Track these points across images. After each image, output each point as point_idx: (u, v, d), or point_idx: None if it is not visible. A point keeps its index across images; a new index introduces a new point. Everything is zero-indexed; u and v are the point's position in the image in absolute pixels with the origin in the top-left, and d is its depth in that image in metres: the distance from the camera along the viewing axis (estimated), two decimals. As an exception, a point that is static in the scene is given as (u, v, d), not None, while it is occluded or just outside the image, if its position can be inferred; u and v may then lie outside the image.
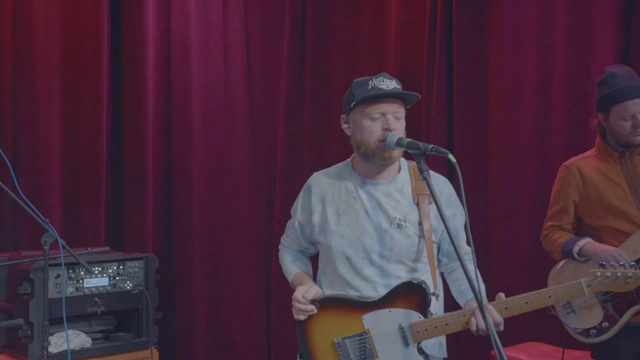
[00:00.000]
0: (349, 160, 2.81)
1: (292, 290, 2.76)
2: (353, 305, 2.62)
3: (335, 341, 2.60)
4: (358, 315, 2.60)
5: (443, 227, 2.68)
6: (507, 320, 4.23)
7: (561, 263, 3.36)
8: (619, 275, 2.53)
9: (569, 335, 3.38)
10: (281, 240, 2.98)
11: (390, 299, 2.60)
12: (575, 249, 3.22)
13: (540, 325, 4.25)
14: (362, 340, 2.59)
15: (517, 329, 4.27)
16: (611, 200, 3.25)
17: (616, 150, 3.29)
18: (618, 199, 3.25)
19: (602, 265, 3.05)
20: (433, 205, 2.65)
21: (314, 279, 2.82)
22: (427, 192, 2.65)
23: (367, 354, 2.58)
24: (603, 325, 3.24)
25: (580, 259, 3.25)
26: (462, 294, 2.71)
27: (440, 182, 2.73)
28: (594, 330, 3.26)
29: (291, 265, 2.88)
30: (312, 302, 2.64)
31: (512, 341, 4.06)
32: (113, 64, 4.80)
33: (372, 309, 2.60)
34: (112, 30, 4.77)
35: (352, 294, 2.64)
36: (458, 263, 2.75)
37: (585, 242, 3.22)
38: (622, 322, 3.20)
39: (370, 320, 2.60)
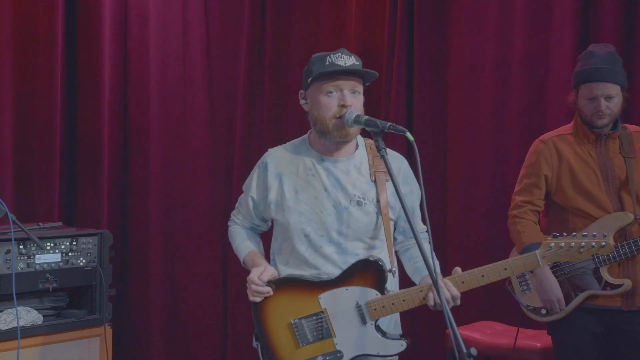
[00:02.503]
0: (305, 136, 2.77)
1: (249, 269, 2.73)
2: (309, 285, 2.59)
3: (292, 322, 2.58)
4: (315, 295, 2.58)
5: (400, 204, 2.70)
6: (462, 300, 4.28)
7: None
8: (572, 245, 2.51)
9: (525, 314, 3.42)
10: (231, 216, 2.91)
11: (346, 278, 2.59)
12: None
13: (494, 305, 4.30)
14: (319, 320, 2.57)
15: (472, 308, 4.31)
16: (583, 183, 3.25)
17: (593, 133, 3.28)
18: (590, 182, 3.25)
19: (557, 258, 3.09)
20: (390, 183, 2.65)
21: (267, 257, 2.77)
22: (384, 170, 2.65)
23: (325, 333, 2.57)
24: None
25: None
26: (418, 271, 2.71)
27: (397, 160, 2.72)
28: (545, 310, 3.31)
29: (243, 243, 2.80)
30: (268, 283, 2.59)
31: (466, 320, 4.10)
32: (68, 37, 4.71)
33: (328, 288, 2.58)
34: (67, 3, 4.67)
35: (311, 272, 2.62)
36: (413, 241, 2.76)
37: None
38: (572, 305, 3.26)
39: (327, 299, 2.58)
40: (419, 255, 2.67)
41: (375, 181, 2.66)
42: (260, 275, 2.59)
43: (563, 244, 2.51)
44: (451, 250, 4.53)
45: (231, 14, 5.26)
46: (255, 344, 2.64)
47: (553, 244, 2.52)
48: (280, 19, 5.15)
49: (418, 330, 4.59)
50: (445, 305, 2.21)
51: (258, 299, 2.59)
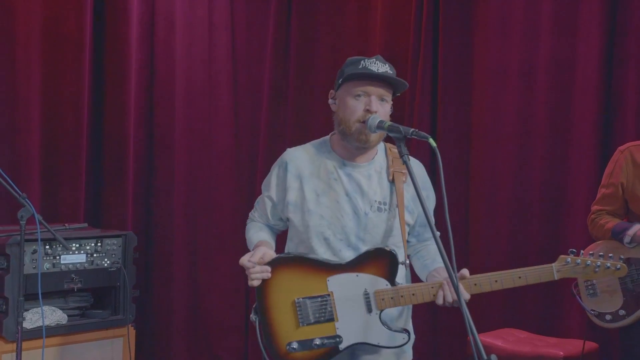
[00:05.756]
0: (326, 138, 2.77)
1: None
2: (319, 266, 2.58)
3: (296, 300, 2.55)
4: (323, 277, 2.56)
5: (419, 209, 2.71)
6: (484, 306, 4.28)
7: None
8: (588, 263, 2.55)
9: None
10: (249, 214, 2.90)
11: (358, 263, 2.57)
12: (626, 239, 3.19)
13: (516, 312, 4.28)
14: (324, 302, 2.55)
15: (494, 315, 4.30)
16: None
17: None
18: None
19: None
20: (408, 185, 2.68)
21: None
22: (403, 171, 2.67)
23: (327, 316, 2.54)
24: (620, 312, 3.23)
25: (630, 246, 3.20)
26: (426, 267, 2.71)
27: (415, 166, 2.70)
28: (610, 316, 3.26)
29: (255, 234, 2.79)
30: (272, 261, 2.53)
31: (489, 327, 4.08)
32: (95, 39, 4.76)
33: (338, 271, 2.57)
34: (95, 5, 4.73)
35: None
36: (425, 244, 2.79)
37: (636, 230, 3.17)
38: (638, 313, 3.18)
39: (335, 282, 2.56)
40: (428, 254, 2.75)
41: (393, 181, 2.67)
42: (250, 257, 2.53)
43: (579, 261, 2.55)
44: (473, 255, 4.51)
45: (257, 17, 5.30)
46: (253, 317, 2.59)
47: (570, 259, 2.56)
48: (306, 24, 5.17)
49: (439, 335, 4.58)
50: (466, 310, 2.19)
51: (256, 283, 2.52)
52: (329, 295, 2.56)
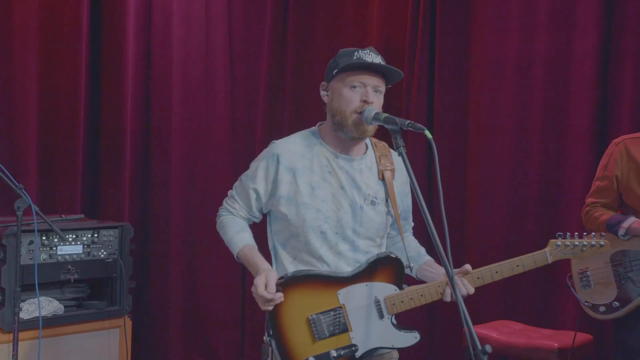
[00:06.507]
0: (314, 129, 2.74)
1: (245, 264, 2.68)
2: (328, 281, 2.59)
3: (309, 317, 2.56)
4: (333, 291, 2.58)
5: (404, 203, 2.77)
6: (480, 298, 4.30)
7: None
8: (576, 244, 2.67)
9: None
10: (225, 205, 2.80)
11: (366, 274, 2.60)
12: (621, 231, 3.23)
13: (511, 304, 4.30)
14: (337, 315, 2.57)
15: (489, 307, 4.31)
16: None
17: None
18: None
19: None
20: (396, 181, 2.70)
21: (267, 250, 2.72)
22: (390, 168, 2.70)
23: (341, 328, 2.57)
24: (613, 304, 3.25)
25: (624, 238, 3.25)
26: (413, 259, 2.73)
27: (401, 160, 2.73)
28: (603, 307, 3.28)
29: (238, 235, 2.70)
30: (283, 284, 2.53)
31: (484, 319, 4.10)
32: (92, 32, 4.76)
33: (348, 284, 2.59)
34: (92, -3, 4.74)
35: (324, 267, 2.62)
36: (404, 235, 2.80)
37: (631, 223, 3.21)
38: (632, 305, 3.22)
39: (345, 295, 2.58)
40: (409, 245, 2.79)
41: (383, 180, 2.68)
42: (267, 287, 2.49)
43: (568, 243, 2.68)
44: (469, 248, 4.52)
45: (254, 10, 5.29)
46: (267, 338, 2.61)
47: (559, 242, 2.67)
48: (303, 16, 5.17)
49: (435, 327, 4.60)
50: (461, 302, 2.21)
51: (270, 308, 2.52)
52: (340, 307, 2.58)
